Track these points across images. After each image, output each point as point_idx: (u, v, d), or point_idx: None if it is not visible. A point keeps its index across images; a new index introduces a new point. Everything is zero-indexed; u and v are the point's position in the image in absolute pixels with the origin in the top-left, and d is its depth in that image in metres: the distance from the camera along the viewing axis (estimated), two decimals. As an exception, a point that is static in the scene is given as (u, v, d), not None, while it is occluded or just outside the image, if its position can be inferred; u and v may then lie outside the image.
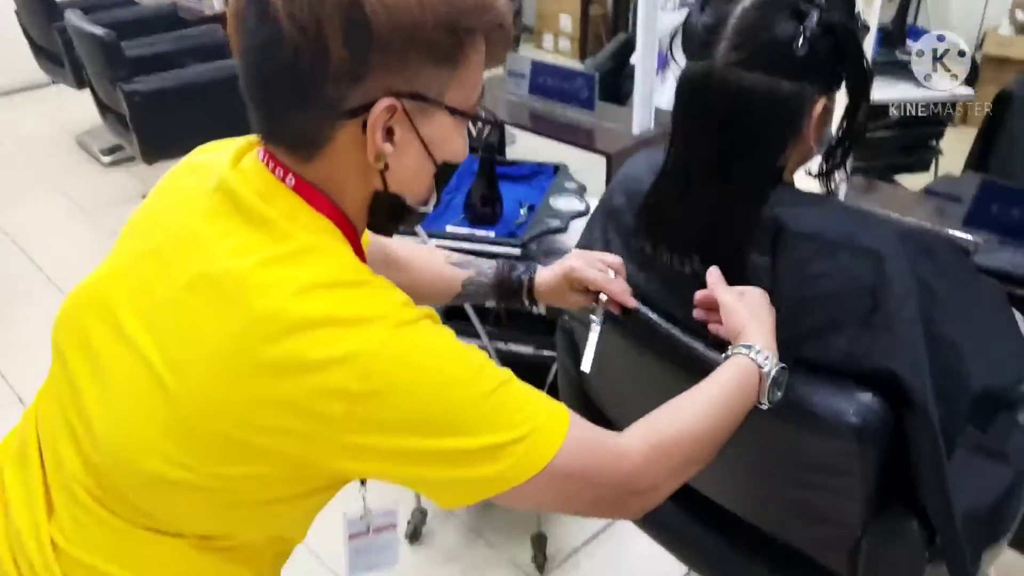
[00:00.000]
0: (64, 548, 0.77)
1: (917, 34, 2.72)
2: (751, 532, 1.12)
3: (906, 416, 0.87)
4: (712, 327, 0.94)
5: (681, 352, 1.00)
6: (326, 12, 0.65)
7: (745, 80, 0.87)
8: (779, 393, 0.88)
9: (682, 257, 0.99)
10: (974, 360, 0.92)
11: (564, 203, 1.66)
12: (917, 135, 2.52)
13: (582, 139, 2.31)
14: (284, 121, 0.72)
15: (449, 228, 1.60)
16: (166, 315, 0.73)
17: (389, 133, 0.72)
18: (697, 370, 0.99)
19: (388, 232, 0.84)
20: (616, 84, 2.94)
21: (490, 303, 1.14)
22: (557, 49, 5.59)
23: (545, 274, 1.08)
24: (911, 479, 0.90)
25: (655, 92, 2.32)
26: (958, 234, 1.60)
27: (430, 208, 0.82)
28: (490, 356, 1.61)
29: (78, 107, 4.16)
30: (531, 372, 1.69)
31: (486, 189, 1.59)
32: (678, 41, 0.95)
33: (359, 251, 0.78)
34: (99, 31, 2.87)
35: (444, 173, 0.79)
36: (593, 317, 1.02)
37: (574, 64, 5.18)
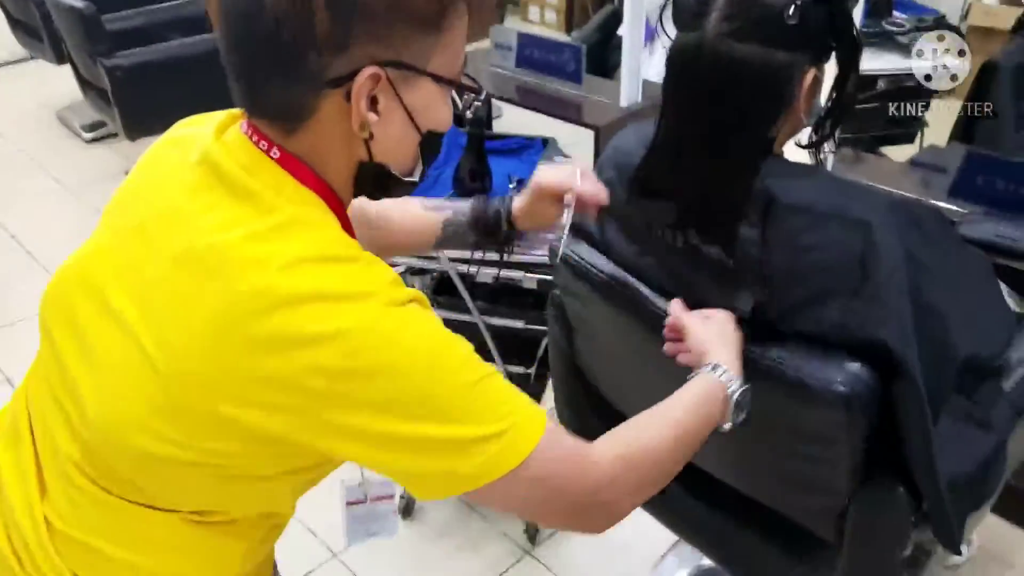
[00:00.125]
0: (58, 527, 0.78)
1: (904, 5, 2.72)
2: (741, 501, 1.14)
3: (894, 384, 0.88)
4: (681, 357, 0.96)
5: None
6: None
7: (736, 51, 0.87)
8: (742, 415, 0.89)
9: (674, 230, 0.99)
10: (960, 329, 0.94)
11: (553, 177, 1.66)
12: (903, 107, 2.53)
13: (570, 112, 2.30)
14: (267, 92, 0.72)
15: (438, 203, 1.60)
16: (153, 291, 0.73)
17: (373, 102, 0.71)
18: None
19: (375, 200, 0.84)
20: (603, 56, 2.93)
21: (472, 242, 1.13)
22: (543, 21, 5.54)
23: (519, 199, 1.08)
24: (898, 446, 0.92)
25: (643, 64, 2.31)
26: (943, 205, 1.61)
27: (416, 177, 0.82)
28: (481, 331, 1.62)
29: (58, 82, 4.09)
30: (522, 346, 1.70)
31: (475, 163, 1.59)
32: (668, 13, 0.95)
33: (346, 223, 0.78)
34: (78, 3, 2.81)
35: (429, 142, 0.79)
36: (564, 220, 1.02)
37: (560, 36, 5.13)
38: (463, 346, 0.73)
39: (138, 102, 2.89)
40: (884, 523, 0.98)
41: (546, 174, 1.03)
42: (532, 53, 2.47)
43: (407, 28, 0.70)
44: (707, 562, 1.58)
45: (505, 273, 1.58)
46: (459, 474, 0.71)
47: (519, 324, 1.64)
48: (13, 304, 2.73)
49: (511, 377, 1.70)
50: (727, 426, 0.89)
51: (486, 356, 1.65)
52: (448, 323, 1.58)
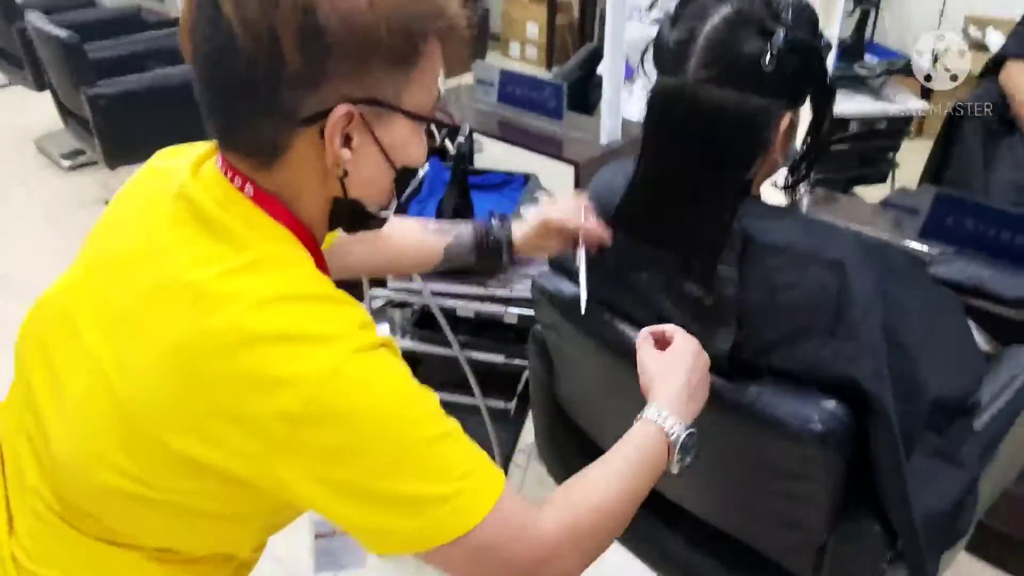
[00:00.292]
0: (24, 564, 0.77)
1: (875, 49, 2.80)
2: (717, 536, 1.15)
3: (868, 422, 0.90)
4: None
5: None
6: (280, 20, 0.65)
7: (716, 96, 0.89)
8: (689, 457, 0.89)
9: (653, 267, 1.01)
10: (932, 368, 0.96)
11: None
12: (875, 147, 2.59)
13: (550, 148, 2.33)
14: (240, 129, 0.72)
15: (420, 236, 1.61)
16: (121, 321, 0.73)
17: (347, 139, 0.72)
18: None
19: (351, 233, 0.84)
20: (584, 93, 2.98)
21: (470, 265, 1.17)
22: (524, 57, 5.62)
23: (522, 228, 1.12)
24: (873, 483, 0.93)
25: (622, 102, 2.35)
26: (915, 245, 1.65)
27: (391, 213, 0.82)
28: (461, 364, 1.62)
29: (37, 110, 4.08)
30: (502, 381, 1.71)
31: (458, 199, 1.60)
32: (649, 55, 0.98)
33: (319, 260, 0.78)
34: (62, 33, 2.81)
35: (404, 178, 0.79)
36: (579, 261, 1.05)
37: (540, 71, 5.21)
38: (427, 399, 0.73)
39: (119, 131, 2.89)
40: (859, 561, 0.99)
41: (554, 210, 1.07)
42: (514, 90, 2.51)
43: (380, 66, 0.70)
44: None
45: (486, 308, 1.59)
46: (404, 532, 0.70)
47: (500, 358, 1.64)
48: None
49: (491, 412, 1.70)
50: (675, 469, 0.88)
51: (466, 390, 1.66)
52: (429, 356, 1.58)
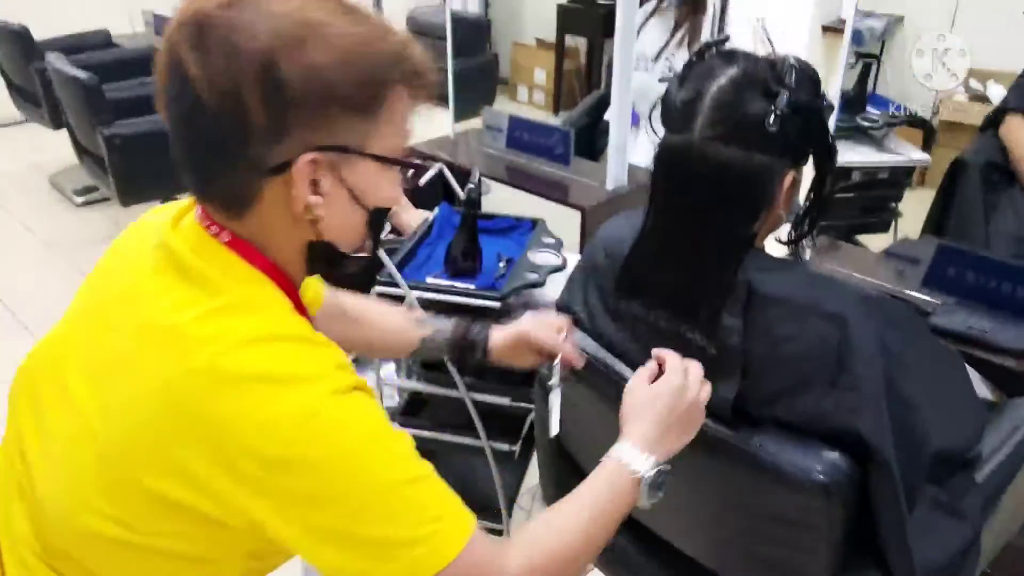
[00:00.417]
0: None
1: (877, 101, 2.86)
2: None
3: (870, 473, 0.91)
4: None
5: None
6: (243, 77, 0.68)
7: (721, 154, 0.92)
8: (659, 494, 0.90)
9: (659, 316, 1.03)
10: (932, 420, 0.97)
11: (542, 258, 1.70)
12: (878, 197, 2.63)
13: (557, 193, 2.37)
14: (212, 181, 0.75)
15: (429, 280, 1.64)
16: (106, 368, 0.76)
17: (316, 185, 0.74)
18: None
19: (329, 276, 0.86)
20: (591, 140, 3.03)
21: (444, 358, 1.20)
22: (531, 101, 5.71)
23: (500, 335, 1.13)
24: (874, 534, 0.94)
25: (629, 149, 2.40)
26: (917, 295, 1.67)
27: (367, 253, 0.84)
28: (467, 406, 1.63)
29: (52, 147, 4.15)
30: (507, 424, 1.72)
31: (467, 243, 1.63)
32: (657, 113, 1.01)
33: (298, 303, 0.80)
34: (82, 75, 2.88)
35: (378, 218, 0.81)
36: (552, 382, 1.08)
37: (547, 116, 5.29)
38: (401, 442, 0.75)
39: (133, 169, 2.94)
40: (862, 611, 0.99)
41: (535, 328, 1.11)
42: (522, 135, 2.56)
43: (342, 114, 0.72)
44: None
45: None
46: (379, 574, 0.71)
47: (505, 400, 1.65)
48: (-6, 366, 2.71)
49: (495, 454, 1.70)
50: (646, 504, 0.89)
51: (471, 432, 1.67)
52: (434, 397, 1.58)
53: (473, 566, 0.74)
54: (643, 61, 2.82)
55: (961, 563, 1.02)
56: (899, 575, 0.94)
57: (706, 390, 0.95)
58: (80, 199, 3.95)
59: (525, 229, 1.87)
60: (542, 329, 1.09)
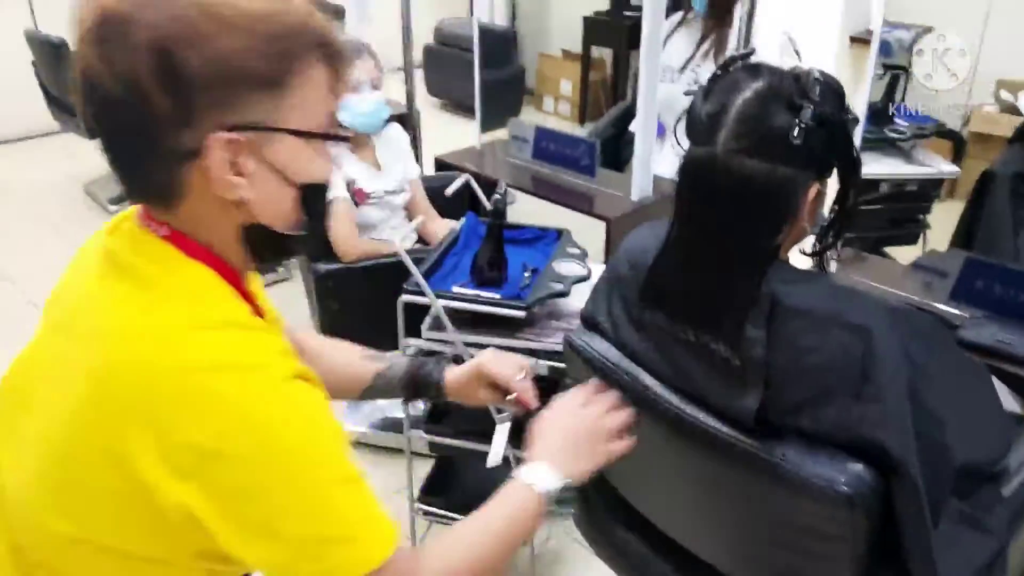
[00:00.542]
0: None
1: (905, 113, 2.84)
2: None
3: (894, 485, 0.91)
4: None
5: (678, 421, 1.05)
6: (139, 67, 0.68)
7: (746, 166, 0.93)
8: (565, 510, 0.90)
9: (683, 326, 1.04)
10: (958, 434, 0.97)
11: (567, 268, 1.72)
12: (906, 209, 2.61)
13: (583, 204, 2.39)
14: (136, 174, 0.76)
15: (455, 289, 1.66)
16: (59, 371, 0.78)
17: (237, 166, 0.73)
18: (692, 437, 1.04)
19: (283, 258, 0.87)
20: (616, 151, 3.04)
21: (397, 398, 1.16)
22: (557, 112, 5.73)
23: (456, 371, 1.12)
24: (898, 546, 0.94)
25: (654, 160, 2.41)
26: (945, 308, 1.66)
27: (304, 231, 0.82)
28: (490, 413, 1.64)
29: (87, 156, 4.25)
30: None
31: (493, 253, 1.65)
32: (683, 126, 1.02)
33: (242, 290, 0.81)
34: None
35: (312, 194, 0.80)
36: (500, 416, 1.09)
37: (573, 126, 5.31)
38: (338, 440, 0.75)
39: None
40: (886, 624, 0.99)
41: (493, 362, 1.09)
42: (548, 146, 2.58)
43: (248, 91, 0.72)
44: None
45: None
46: (305, 573, 0.72)
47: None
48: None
49: (517, 462, 1.71)
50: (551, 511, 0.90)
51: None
52: (460, 406, 1.59)
53: (396, 574, 0.74)
54: (669, 72, 2.83)
55: (987, 578, 1.01)
56: (924, 589, 0.94)
57: (613, 418, 0.98)
58: (114, 207, 4.03)
59: (550, 239, 1.89)
60: (500, 364, 1.08)
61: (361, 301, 2.17)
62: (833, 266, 1.86)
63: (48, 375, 0.80)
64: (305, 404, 0.74)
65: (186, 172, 0.73)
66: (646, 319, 1.09)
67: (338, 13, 3.62)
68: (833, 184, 1.04)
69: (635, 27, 2.34)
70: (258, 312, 0.83)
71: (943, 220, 2.61)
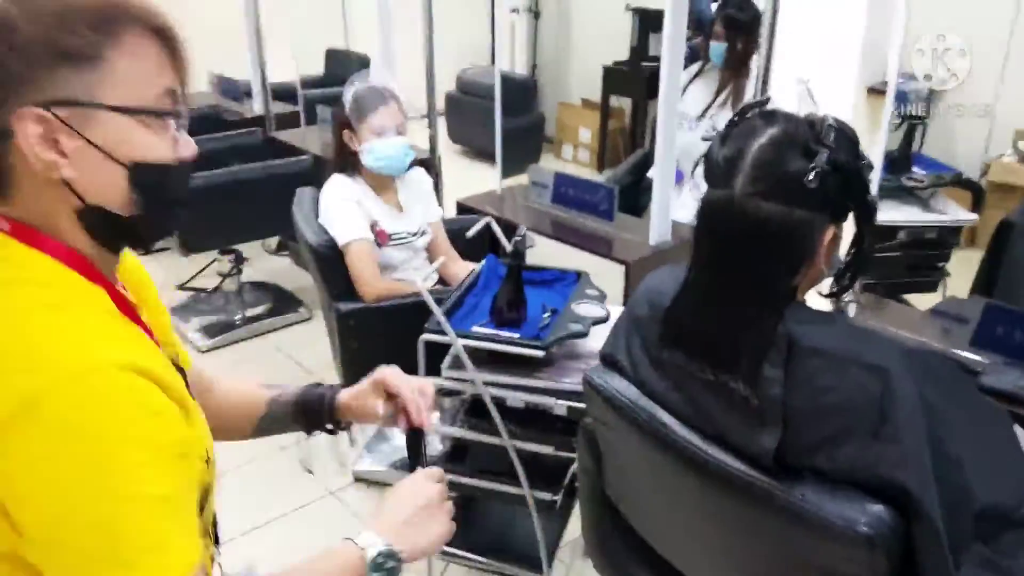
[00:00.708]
0: None
1: (923, 161, 2.86)
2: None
3: (913, 526, 0.91)
4: None
5: (696, 459, 1.05)
6: None
7: (762, 209, 0.96)
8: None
9: (701, 366, 1.06)
10: (978, 478, 0.97)
11: (586, 309, 1.74)
12: (925, 256, 2.61)
13: (601, 247, 2.42)
14: None
15: (475, 328, 1.68)
16: None
17: (57, 145, 0.71)
18: (710, 476, 1.04)
19: (130, 244, 0.82)
20: (635, 197, 3.08)
21: (292, 429, 1.10)
22: (576, 159, 5.81)
23: (354, 386, 1.08)
24: (920, 591, 0.94)
25: (672, 205, 2.44)
26: (965, 354, 1.66)
27: (143, 212, 0.78)
28: (509, 454, 1.65)
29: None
30: (549, 473, 1.73)
31: (512, 294, 1.68)
32: (700, 170, 1.05)
33: (96, 276, 0.78)
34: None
35: (146, 174, 0.76)
36: (401, 427, 1.06)
37: (592, 173, 5.38)
38: (150, 449, 0.68)
39: (197, 220, 3.06)
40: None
41: (394, 376, 1.06)
42: (567, 191, 2.63)
43: (57, 67, 0.70)
44: None
45: (536, 399, 1.63)
46: None
47: (548, 449, 1.67)
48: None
49: (537, 503, 1.71)
50: None
51: (513, 480, 1.68)
52: (477, 444, 1.60)
53: None
54: (687, 120, 2.88)
55: (1011, 625, 1.00)
56: (945, 633, 0.93)
57: (447, 506, 0.94)
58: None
59: (569, 281, 1.91)
60: (401, 377, 1.06)
61: (382, 340, 2.20)
62: (852, 311, 1.86)
63: None
64: (122, 399, 0.68)
65: (6, 154, 0.72)
66: (665, 358, 1.10)
67: (363, 63, 3.74)
68: (850, 228, 1.06)
69: (653, 77, 2.39)
70: (122, 300, 0.81)
71: (963, 268, 2.61)
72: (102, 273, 0.79)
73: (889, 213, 2.52)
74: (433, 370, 1.71)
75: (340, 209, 2.23)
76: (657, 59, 2.31)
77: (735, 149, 0.99)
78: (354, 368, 2.31)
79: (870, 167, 1.01)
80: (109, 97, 0.73)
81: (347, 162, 2.29)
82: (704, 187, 1.04)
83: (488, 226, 1.93)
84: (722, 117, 2.76)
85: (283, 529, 2.23)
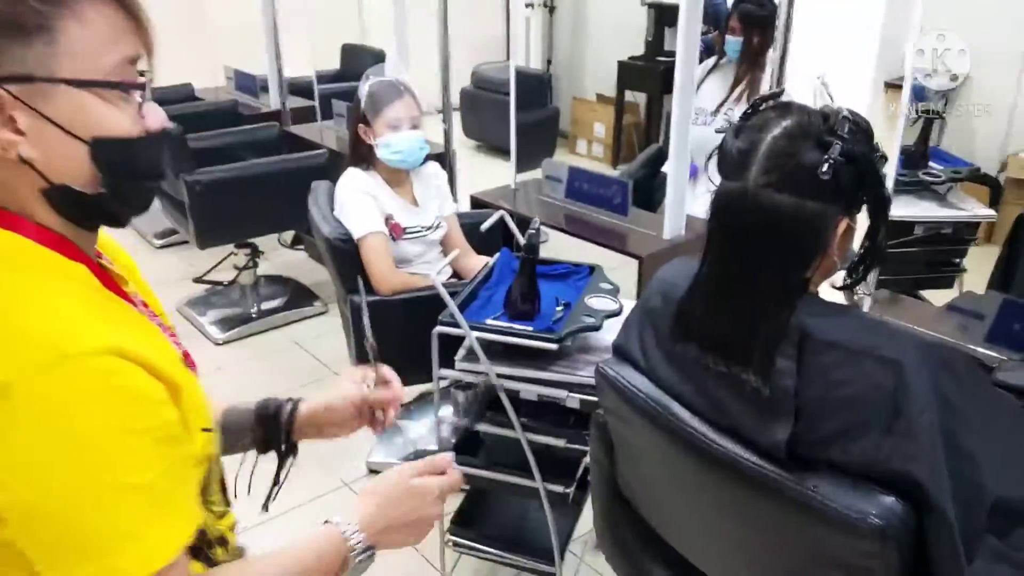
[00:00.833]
0: None
1: (940, 156, 2.84)
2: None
3: (926, 519, 0.91)
4: None
5: (708, 451, 1.06)
6: None
7: (775, 200, 0.96)
8: (363, 572, 0.87)
9: (714, 358, 1.06)
10: (992, 472, 0.97)
11: (599, 302, 1.74)
12: (941, 252, 2.60)
13: (615, 241, 2.42)
14: None
15: (489, 321, 1.69)
16: None
17: (13, 122, 0.68)
18: (722, 468, 1.04)
19: (101, 222, 0.79)
20: (649, 191, 3.08)
21: (242, 445, 1.05)
22: (590, 154, 5.81)
23: (310, 403, 1.05)
24: (931, 582, 0.94)
25: (686, 200, 2.44)
26: (981, 350, 1.65)
27: (107, 189, 0.75)
28: (522, 446, 1.66)
29: (135, 191, 4.38)
30: (562, 466, 1.74)
31: (526, 287, 1.68)
32: (714, 163, 1.05)
33: (74, 253, 0.75)
34: (168, 125, 3.06)
35: (110, 149, 0.73)
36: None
37: (606, 168, 5.38)
38: (130, 435, 0.67)
39: (212, 214, 3.09)
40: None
41: (350, 388, 1.05)
42: (581, 185, 2.63)
43: (6, 42, 0.67)
44: None
45: (549, 392, 1.64)
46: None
47: (561, 443, 1.68)
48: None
49: (550, 496, 1.72)
50: None
51: (526, 472, 1.69)
52: (491, 437, 1.61)
53: None
54: (702, 115, 2.87)
55: (1024, 619, 0.99)
56: (957, 627, 0.93)
57: (437, 509, 0.93)
58: (159, 242, 4.15)
59: (583, 274, 1.92)
60: (360, 386, 1.05)
61: (396, 333, 2.21)
62: (867, 306, 1.86)
63: None
64: (96, 386, 0.66)
65: None
66: (678, 350, 1.11)
67: (379, 58, 3.75)
68: (864, 220, 1.06)
69: (668, 72, 2.39)
70: (105, 275, 0.79)
71: (980, 265, 2.59)
72: (81, 249, 0.77)
73: (906, 208, 2.50)
74: (447, 363, 1.72)
75: (355, 202, 2.24)
76: (672, 54, 2.31)
77: (749, 141, 1.00)
78: (368, 361, 2.32)
79: (884, 159, 1.01)
80: (65, 70, 0.69)
81: (362, 156, 2.30)
82: (718, 178, 1.04)
83: (502, 219, 1.94)
84: (737, 111, 2.75)
85: (297, 520, 2.25)
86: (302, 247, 4.05)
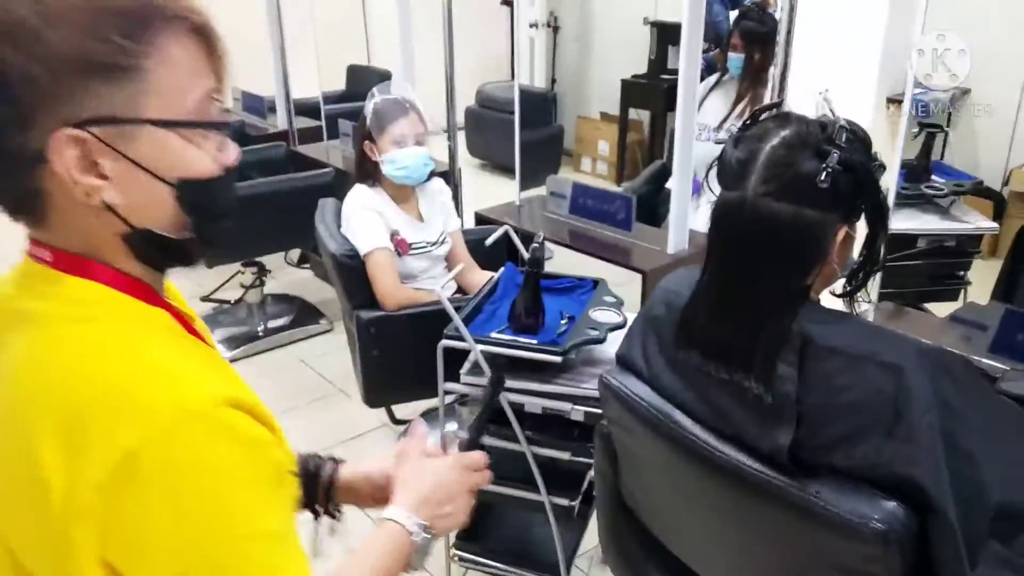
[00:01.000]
0: None
1: (943, 169, 2.85)
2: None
3: (928, 523, 0.91)
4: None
5: (710, 458, 1.06)
6: None
7: (774, 209, 0.97)
8: (427, 557, 0.87)
9: (716, 365, 1.07)
10: (993, 475, 0.97)
11: (603, 316, 1.75)
12: (945, 265, 2.60)
13: (619, 256, 2.43)
14: None
15: (494, 335, 1.70)
16: None
17: (96, 167, 0.65)
18: (725, 475, 1.05)
19: (181, 264, 0.76)
20: (652, 207, 3.09)
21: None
22: (595, 172, 5.83)
23: (355, 469, 0.99)
24: (935, 589, 0.94)
25: (690, 215, 2.46)
26: (984, 361, 1.65)
27: (194, 233, 0.73)
28: (527, 459, 1.67)
29: None
30: (566, 479, 1.74)
31: (530, 301, 1.69)
32: (714, 173, 1.07)
33: (155, 300, 0.73)
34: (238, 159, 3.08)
35: (194, 191, 0.70)
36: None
37: (610, 186, 5.40)
38: (269, 482, 0.66)
39: (219, 232, 3.12)
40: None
41: (389, 466, 0.97)
42: (585, 201, 2.65)
43: (91, 82, 0.63)
44: None
45: (553, 404, 1.64)
46: None
47: (565, 455, 1.68)
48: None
49: (555, 509, 1.72)
50: (417, 566, 0.86)
51: (531, 486, 1.69)
52: (495, 450, 1.62)
53: None
54: (705, 131, 2.90)
55: (1029, 625, 0.99)
56: (961, 632, 0.93)
57: (475, 478, 0.93)
58: (166, 261, 4.17)
59: (587, 288, 1.93)
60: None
61: (402, 348, 2.23)
62: (870, 317, 1.86)
63: None
64: (223, 439, 0.64)
65: (40, 179, 0.66)
66: (680, 358, 1.12)
67: (384, 78, 3.79)
68: (863, 229, 1.07)
69: (671, 89, 2.41)
70: (181, 318, 0.77)
71: (984, 277, 2.59)
72: (159, 294, 0.75)
73: (908, 221, 2.51)
74: (452, 377, 1.73)
75: (361, 219, 2.26)
76: (675, 72, 2.33)
77: (748, 151, 1.01)
78: (374, 377, 2.34)
79: (882, 168, 1.02)
80: (150, 110, 0.66)
81: (368, 172, 2.33)
82: (718, 189, 1.05)
83: (507, 234, 1.96)
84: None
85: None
86: (308, 265, 4.07)
